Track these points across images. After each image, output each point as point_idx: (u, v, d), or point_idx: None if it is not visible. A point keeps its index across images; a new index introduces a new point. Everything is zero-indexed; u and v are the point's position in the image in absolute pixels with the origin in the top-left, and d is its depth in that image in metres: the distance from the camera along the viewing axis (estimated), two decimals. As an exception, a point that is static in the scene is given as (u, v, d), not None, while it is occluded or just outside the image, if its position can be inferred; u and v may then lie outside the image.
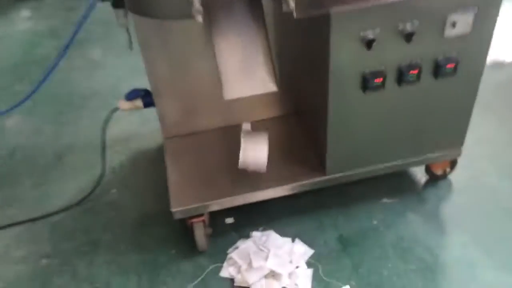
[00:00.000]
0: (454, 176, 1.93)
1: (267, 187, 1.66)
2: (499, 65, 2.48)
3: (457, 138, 1.72)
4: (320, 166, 1.70)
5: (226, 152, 1.81)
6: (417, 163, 1.77)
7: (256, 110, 1.93)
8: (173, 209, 1.59)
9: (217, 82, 1.41)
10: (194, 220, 1.61)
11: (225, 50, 1.45)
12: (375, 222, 1.78)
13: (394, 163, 1.72)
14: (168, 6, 1.24)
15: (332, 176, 1.69)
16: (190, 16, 1.20)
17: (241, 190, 1.65)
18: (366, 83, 1.45)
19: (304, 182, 1.67)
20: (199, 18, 1.21)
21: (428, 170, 1.91)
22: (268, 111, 1.95)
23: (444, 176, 1.92)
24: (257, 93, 1.45)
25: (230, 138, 1.87)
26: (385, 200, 1.87)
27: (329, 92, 1.47)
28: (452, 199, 1.87)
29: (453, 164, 1.88)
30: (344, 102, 1.50)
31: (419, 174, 1.96)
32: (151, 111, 1.93)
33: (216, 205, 1.63)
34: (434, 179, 1.93)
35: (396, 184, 1.92)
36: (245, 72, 1.43)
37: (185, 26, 1.51)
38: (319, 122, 1.63)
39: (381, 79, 1.45)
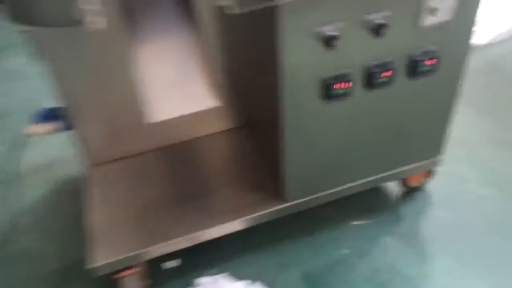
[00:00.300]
0: (432, 186, 1.68)
1: (218, 223, 1.34)
2: (473, 50, 2.25)
3: (436, 146, 1.46)
4: (277, 192, 1.40)
5: (166, 180, 1.49)
6: (391, 178, 1.50)
7: (199, 125, 1.61)
8: (92, 265, 1.24)
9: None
10: (125, 273, 1.28)
11: (149, 60, 1.13)
12: (345, 251, 1.50)
13: (365, 180, 1.44)
14: (48, 9, 0.89)
15: (293, 203, 1.39)
16: (81, 22, 0.86)
17: (186, 230, 1.33)
18: (327, 91, 1.16)
19: (260, 213, 1.37)
20: (100, 23, 0.88)
21: (402, 182, 1.65)
22: (213, 124, 1.63)
23: (420, 187, 1.66)
24: (192, 111, 1.15)
25: (170, 161, 1.55)
26: (355, 222, 1.59)
27: (283, 102, 1.17)
28: (431, 215, 1.61)
29: (430, 173, 1.63)
30: (302, 113, 1.20)
31: (391, 186, 1.69)
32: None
33: (154, 252, 1.30)
34: (409, 191, 1.67)
35: (366, 201, 1.64)
36: (176, 87, 1.12)
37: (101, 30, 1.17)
38: (274, 138, 1.34)
39: (345, 85, 1.16)
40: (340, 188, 1.42)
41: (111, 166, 1.55)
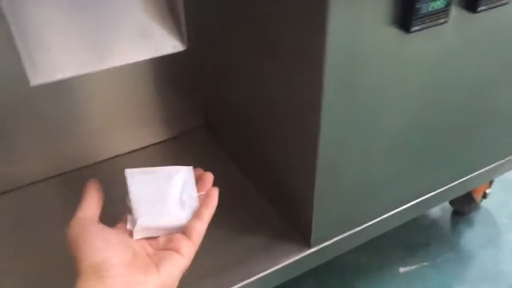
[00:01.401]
0: (493, 200, 1.12)
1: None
2: None
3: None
4: (293, 232, 0.76)
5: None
6: (459, 189, 0.91)
7: (126, 132, 0.94)
8: None
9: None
10: None
11: None
12: (404, 320, 0.89)
13: (426, 197, 0.84)
14: None
15: (321, 246, 0.76)
16: None
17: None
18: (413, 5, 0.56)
19: (268, 271, 0.71)
20: None
21: (456, 199, 1.07)
22: (143, 131, 0.97)
23: (478, 203, 1.10)
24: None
25: (63, 197, 0.86)
26: (403, 269, 0.98)
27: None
28: (508, 243, 1.05)
29: (491, 181, 1.07)
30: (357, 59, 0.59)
31: (435, 210, 1.12)
32: None
33: None
34: (462, 212, 1.10)
35: (408, 237, 1.05)
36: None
37: None
38: (282, 142, 0.72)
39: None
40: (386, 215, 0.81)
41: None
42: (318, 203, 0.70)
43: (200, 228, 0.56)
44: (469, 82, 0.73)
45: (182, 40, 0.57)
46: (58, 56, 0.55)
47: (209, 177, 0.62)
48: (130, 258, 0.51)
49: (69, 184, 0.89)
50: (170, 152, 0.97)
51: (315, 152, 0.65)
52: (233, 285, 0.69)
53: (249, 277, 0.70)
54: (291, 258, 0.73)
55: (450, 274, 0.96)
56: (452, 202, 1.09)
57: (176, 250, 0.53)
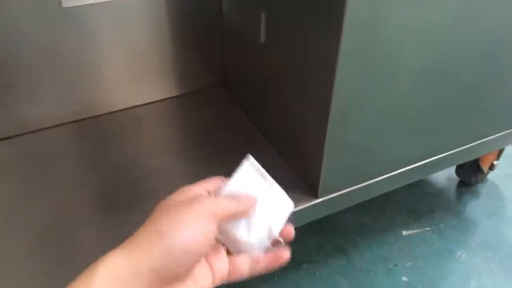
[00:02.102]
0: (501, 172, 1.14)
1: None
2: None
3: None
4: (300, 181, 0.79)
5: (90, 174, 0.82)
6: (468, 155, 0.92)
7: (139, 86, 0.97)
8: None
9: None
10: None
11: None
12: (404, 279, 0.91)
13: (431, 159, 0.86)
14: None
15: (328, 197, 0.78)
16: None
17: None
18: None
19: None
20: None
21: (463, 168, 1.09)
22: (161, 85, 0.99)
23: (486, 174, 1.11)
24: None
25: (81, 143, 0.89)
26: (406, 232, 1.00)
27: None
28: (504, 213, 1.06)
29: (501, 152, 1.08)
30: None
31: (440, 179, 1.13)
32: None
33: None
34: (470, 183, 1.11)
35: (413, 202, 1.07)
36: None
37: None
38: (289, 92, 0.74)
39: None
40: (394, 173, 0.83)
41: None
42: (327, 154, 0.71)
43: (239, 268, 0.45)
44: (481, 45, 0.74)
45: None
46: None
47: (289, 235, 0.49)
48: None
49: (84, 131, 0.91)
50: (185, 106, 0.99)
51: (328, 103, 0.66)
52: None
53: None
54: (298, 207, 0.75)
55: (452, 240, 0.98)
56: (459, 173, 1.10)
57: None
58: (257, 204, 0.46)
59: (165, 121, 0.95)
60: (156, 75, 0.96)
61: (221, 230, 0.44)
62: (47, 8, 0.77)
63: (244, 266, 0.45)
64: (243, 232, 0.45)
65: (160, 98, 0.99)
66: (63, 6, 0.52)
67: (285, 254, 0.46)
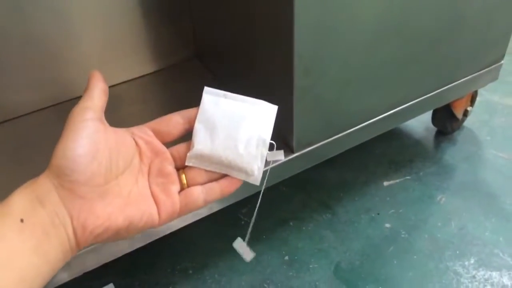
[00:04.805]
0: (474, 119, 1.17)
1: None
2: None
3: (502, 45, 0.95)
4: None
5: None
6: (436, 102, 0.95)
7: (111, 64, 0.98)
8: None
9: None
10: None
11: None
12: (387, 226, 0.94)
13: (401, 108, 0.89)
14: None
15: (304, 151, 0.81)
16: None
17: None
18: None
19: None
20: None
21: (438, 117, 1.12)
22: (136, 62, 1.01)
23: (461, 122, 1.14)
24: None
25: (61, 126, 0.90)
26: (387, 182, 1.03)
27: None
28: (487, 158, 1.09)
29: (474, 97, 1.11)
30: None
31: (415, 128, 1.17)
32: None
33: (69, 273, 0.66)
34: (446, 131, 1.14)
35: (390, 153, 1.10)
36: None
37: None
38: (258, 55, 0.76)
39: None
40: (365, 123, 0.86)
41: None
42: (297, 109, 0.74)
43: (193, 197, 0.47)
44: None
45: None
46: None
47: None
48: (109, 177, 0.42)
49: (63, 114, 0.93)
50: (162, 81, 1.01)
51: (291, 59, 0.68)
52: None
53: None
54: (276, 163, 0.78)
55: (431, 185, 1.01)
56: (435, 122, 1.13)
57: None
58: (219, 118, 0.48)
59: (143, 97, 0.97)
60: (130, 53, 0.98)
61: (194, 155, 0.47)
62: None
63: (198, 196, 0.47)
64: (203, 141, 0.47)
65: (136, 75, 1.01)
66: None
67: (237, 181, 0.49)
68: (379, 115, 0.86)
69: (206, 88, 0.51)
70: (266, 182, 0.77)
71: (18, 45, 0.85)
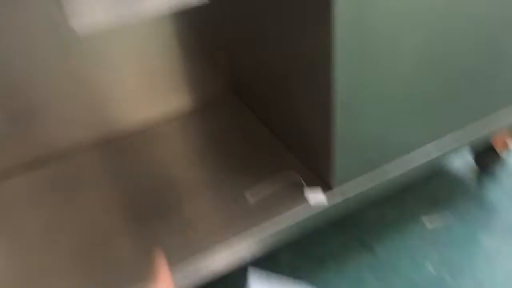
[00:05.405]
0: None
1: (224, 246, 0.72)
2: None
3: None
4: (313, 173, 0.80)
5: (109, 193, 0.86)
6: (476, 136, 0.92)
7: (151, 100, 1.00)
8: None
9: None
10: None
11: None
12: (429, 267, 0.91)
13: (438, 144, 0.86)
14: None
15: (343, 187, 0.79)
16: None
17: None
18: None
19: (290, 212, 0.75)
20: None
21: (479, 153, 1.08)
22: (176, 99, 1.02)
23: (503, 158, 1.10)
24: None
25: (105, 163, 0.92)
26: (428, 224, 1.00)
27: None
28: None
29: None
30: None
31: (459, 167, 1.13)
32: None
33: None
34: (486, 167, 1.10)
35: (431, 190, 1.07)
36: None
37: None
38: (297, 91, 0.77)
39: None
40: (405, 158, 0.84)
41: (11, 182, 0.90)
42: (337, 145, 0.73)
43: None
44: (478, 24, 0.75)
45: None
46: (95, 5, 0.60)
47: None
48: None
49: (107, 150, 0.95)
50: (200, 118, 1.02)
51: (330, 96, 0.68)
52: (262, 224, 0.73)
53: (276, 215, 0.74)
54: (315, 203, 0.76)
55: (475, 226, 0.98)
56: (475, 158, 1.10)
57: None
58: None
59: (183, 134, 0.98)
60: (170, 91, 1.00)
61: None
62: (65, 36, 0.81)
63: None
64: None
65: (176, 112, 1.02)
66: (78, 35, 0.55)
67: None
68: (417, 149, 0.84)
69: (250, 270, 0.53)
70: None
71: (65, 85, 0.87)
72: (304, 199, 0.76)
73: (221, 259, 0.71)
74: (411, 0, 0.66)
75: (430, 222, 0.99)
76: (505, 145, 1.06)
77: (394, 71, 0.72)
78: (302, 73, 0.75)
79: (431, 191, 1.06)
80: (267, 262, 0.93)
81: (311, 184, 0.78)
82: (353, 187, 0.79)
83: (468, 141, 0.90)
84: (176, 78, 0.99)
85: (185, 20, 0.92)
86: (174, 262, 0.66)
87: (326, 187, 0.78)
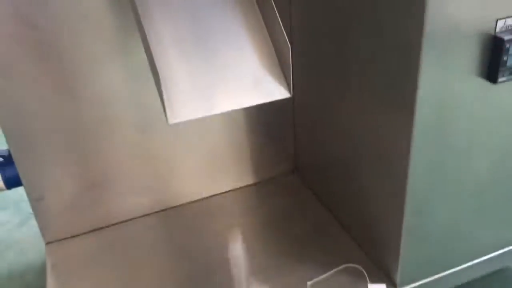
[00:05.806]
0: None
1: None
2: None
3: None
4: (378, 273, 0.80)
5: (174, 262, 0.88)
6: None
7: (215, 178, 1.03)
8: None
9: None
10: None
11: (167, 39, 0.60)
12: None
13: (507, 249, 0.84)
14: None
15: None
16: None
17: None
18: (498, 57, 0.61)
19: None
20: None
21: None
22: (237, 174, 1.05)
23: None
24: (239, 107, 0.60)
25: (166, 231, 0.95)
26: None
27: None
28: None
29: None
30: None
31: None
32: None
33: None
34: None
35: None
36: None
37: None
38: (362, 180, 0.78)
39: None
40: (471, 263, 0.82)
41: (79, 243, 0.94)
42: (405, 244, 0.73)
43: None
44: None
45: (288, 88, 0.65)
46: (187, 98, 0.64)
47: None
48: None
49: (167, 220, 0.98)
50: (261, 194, 1.04)
51: (403, 194, 0.69)
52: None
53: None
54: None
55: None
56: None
57: None
58: None
59: (242, 208, 1.00)
60: (233, 166, 1.03)
61: None
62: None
63: None
64: None
65: (237, 186, 1.05)
66: (169, 123, 0.59)
67: None
68: (486, 255, 0.82)
69: None
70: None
71: (135, 158, 0.92)
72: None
73: None
74: (490, 120, 0.67)
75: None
76: None
77: (469, 173, 0.72)
78: (374, 162, 0.75)
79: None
80: None
81: (375, 279, 0.78)
82: (418, 288, 0.78)
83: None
84: (240, 153, 1.02)
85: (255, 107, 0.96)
86: None
87: (391, 284, 0.77)
